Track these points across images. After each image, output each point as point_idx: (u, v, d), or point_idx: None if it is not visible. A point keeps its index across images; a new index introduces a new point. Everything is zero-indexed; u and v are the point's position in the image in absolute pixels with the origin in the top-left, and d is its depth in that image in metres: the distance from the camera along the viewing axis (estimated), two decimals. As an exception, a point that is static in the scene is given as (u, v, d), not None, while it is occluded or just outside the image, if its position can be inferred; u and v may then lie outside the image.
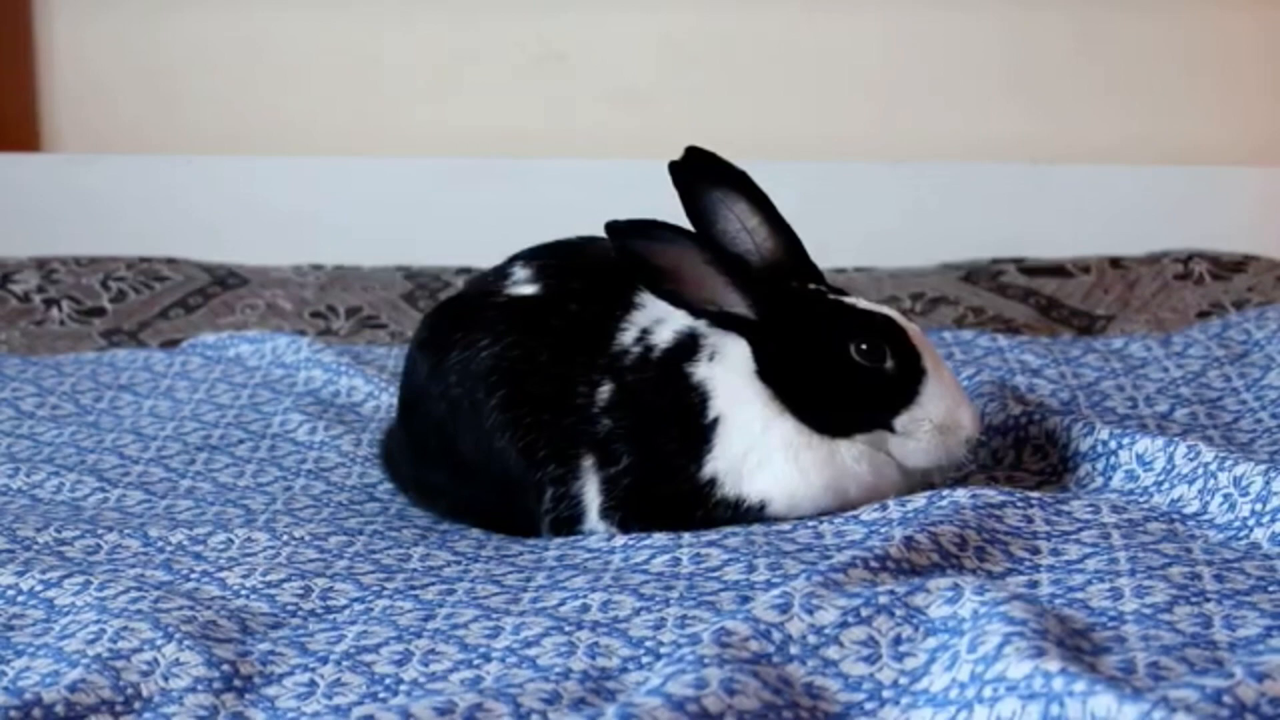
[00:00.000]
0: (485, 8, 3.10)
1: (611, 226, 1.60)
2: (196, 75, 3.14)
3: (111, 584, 1.51)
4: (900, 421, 1.63)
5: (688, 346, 1.66)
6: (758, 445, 1.64)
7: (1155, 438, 1.73)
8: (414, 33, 3.12)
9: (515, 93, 3.05)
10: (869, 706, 1.26)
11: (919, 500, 1.63)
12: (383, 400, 2.17)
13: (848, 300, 1.68)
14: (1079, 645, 1.29)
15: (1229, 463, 1.64)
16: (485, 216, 2.85)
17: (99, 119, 3.17)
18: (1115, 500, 1.65)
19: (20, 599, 1.53)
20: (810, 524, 1.61)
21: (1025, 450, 1.82)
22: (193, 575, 1.58)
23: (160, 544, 1.68)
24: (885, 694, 1.28)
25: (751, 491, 1.64)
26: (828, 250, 2.75)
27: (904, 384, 1.63)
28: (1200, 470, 1.65)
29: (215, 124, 3.14)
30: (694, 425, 1.64)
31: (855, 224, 2.86)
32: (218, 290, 2.76)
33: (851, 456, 1.65)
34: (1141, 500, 1.67)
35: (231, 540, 1.68)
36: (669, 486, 1.65)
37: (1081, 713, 1.15)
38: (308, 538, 1.68)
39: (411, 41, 3.12)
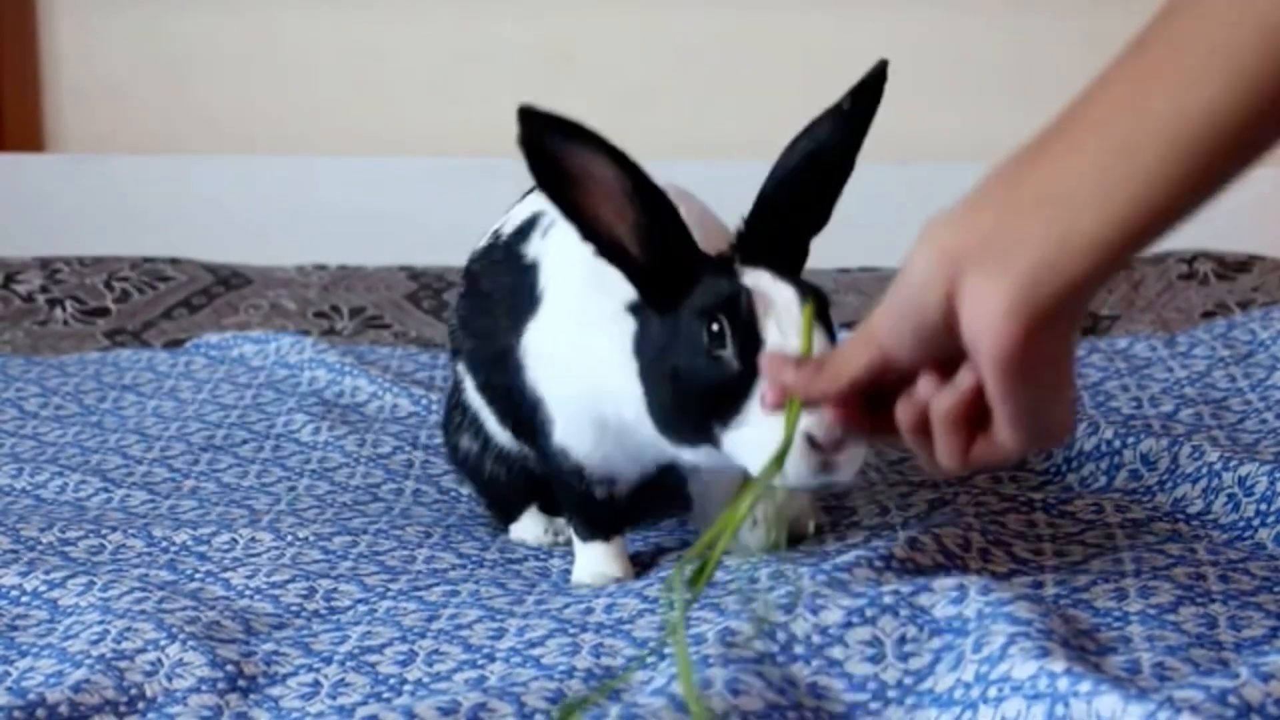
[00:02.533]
0: (488, 7, 3.10)
1: (527, 112, 1.33)
2: (200, 76, 3.15)
3: (115, 584, 1.51)
4: (735, 436, 1.34)
5: (527, 228, 1.55)
6: (557, 326, 1.48)
7: (1160, 438, 1.73)
8: (418, 32, 3.12)
9: (519, 93, 3.05)
10: (873, 706, 1.26)
11: (921, 505, 1.63)
12: (386, 400, 2.17)
13: (741, 269, 1.38)
14: (1084, 645, 1.29)
15: (1234, 463, 1.64)
16: (489, 216, 2.85)
17: (103, 119, 3.17)
18: (1119, 500, 1.65)
19: (24, 599, 1.53)
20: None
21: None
22: (197, 576, 1.58)
23: (164, 544, 1.68)
24: (890, 694, 1.28)
25: (537, 380, 1.51)
26: (831, 250, 2.76)
27: (740, 383, 1.33)
28: (1204, 470, 1.65)
29: (219, 124, 3.14)
30: (522, 300, 1.51)
31: (859, 224, 2.85)
32: (221, 290, 2.76)
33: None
34: (1145, 500, 1.67)
35: (236, 541, 1.68)
36: (496, 365, 1.55)
37: (1086, 713, 1.15)
38: (312, 538, 1.68)
39: (416, 41, 3.12)
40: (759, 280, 1.36)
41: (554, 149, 1.34)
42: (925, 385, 1.22)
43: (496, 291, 1.56)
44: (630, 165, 1.35)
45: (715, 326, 1.34)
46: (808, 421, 1.29)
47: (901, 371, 1.24)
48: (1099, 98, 1.16)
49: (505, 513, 1.73)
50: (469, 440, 1.68)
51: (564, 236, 1.48)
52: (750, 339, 1.34)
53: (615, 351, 1.44)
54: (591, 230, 1.37)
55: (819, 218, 1.44)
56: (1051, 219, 1.12)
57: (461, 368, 1.65)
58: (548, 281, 1.51)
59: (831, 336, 1.39)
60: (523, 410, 1.55)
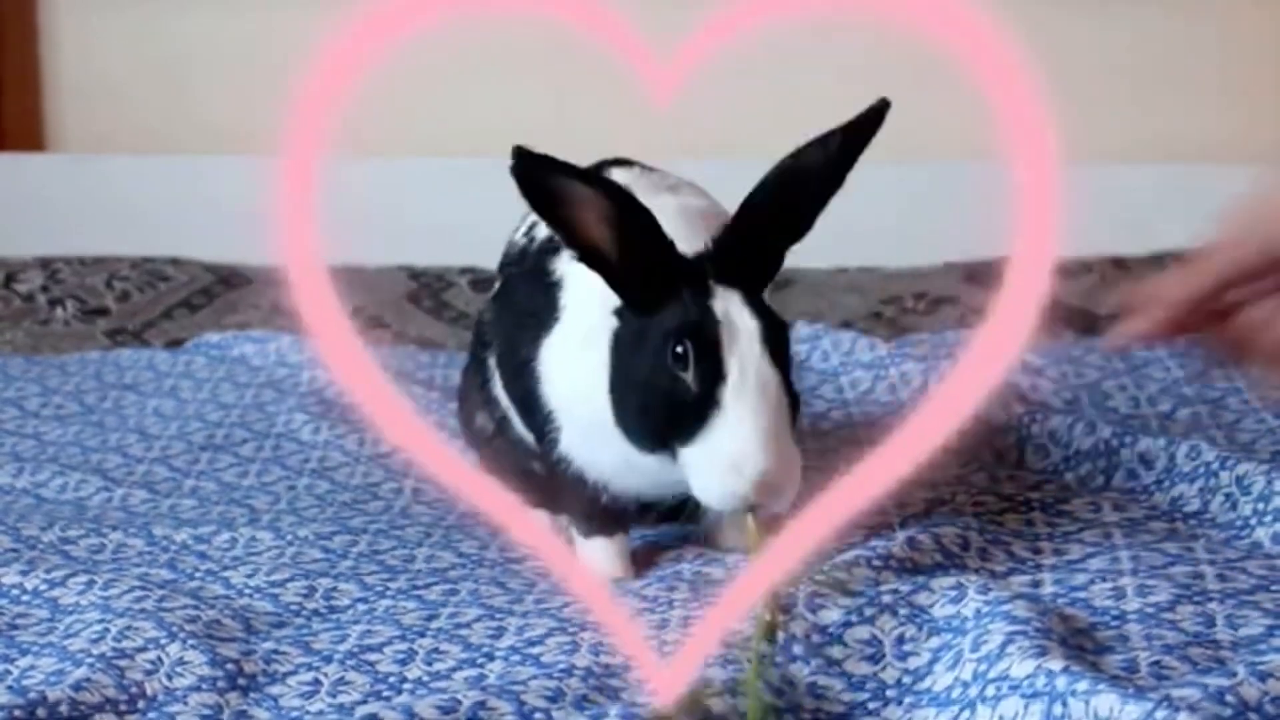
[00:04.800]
0: (489, 7, 3.10)
1: (521, 153, 1.39)
2: (201, 75, 3.15)
3: (116, 583, 1.52)
4: (687, 453, 1.40)
5: (559, 242, 1.54)
6: (571, 341, 1.51)
7: (1157, 437, 1.73)
8: (417, 32, 3.12)
9: (519, 92, 3.05)
10: (872, 706, 1.27)
11: (919, 505, 1.63)
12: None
13: (714, 287, 1.43)
14: (1082, 644, 1.29)
15: (1231, 462, 1.64)
16: (489, 216, 2.85)
17: (103, 119, 3.17)
18: (1117, 499, 1.66)
19: (25, 598, 1.53)
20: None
21: (1028, 449, 1.82)
22: (197, 574, 1.58)
23: (164, 543, 1.68)
24: (889, 693, 1.28)
25: (549, 393, 1.54)
26: (831, 250, 2.76)
27: (697, 407, 1.39)
28: (1202, 469, 1.65)
29: (220, 124, 3.14)
30: (545, 315, 1.54)
31: (859, 223, 2.86)
32: (222, 290, 2.76)
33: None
34: (1143, 499, 1.67)
35: (236, 539, 1.68)
36: (516, 373, 1.58)
37: (1084, 712, 1.15)
38: (312, 537, 1.68)
39: (416, 41, 3.12)
40: (729, 305, 1.41)
41: (543, 182, 1.41)
42: None
43: (525, 304, 1.59)
44: (617, 192, 1.41)
45: (680, 349, 1.40)
46: (748, 487, 1.37)
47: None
48: None
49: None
50: (485, 419, 1.70)
51: None
52: (711, 367, 1.39)
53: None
54: (573, 239, 1.43)
55: (798, 232, 1.48)
56: None
57: (493, 363, 1.66)
58: (568, 300, 1.54)
59: (786, 369, 1.43)
60: (532, 414, 1.58)
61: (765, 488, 1.37)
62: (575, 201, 1.41)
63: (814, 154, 1.48)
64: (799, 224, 1.47)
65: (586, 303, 1.51)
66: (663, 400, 1.41)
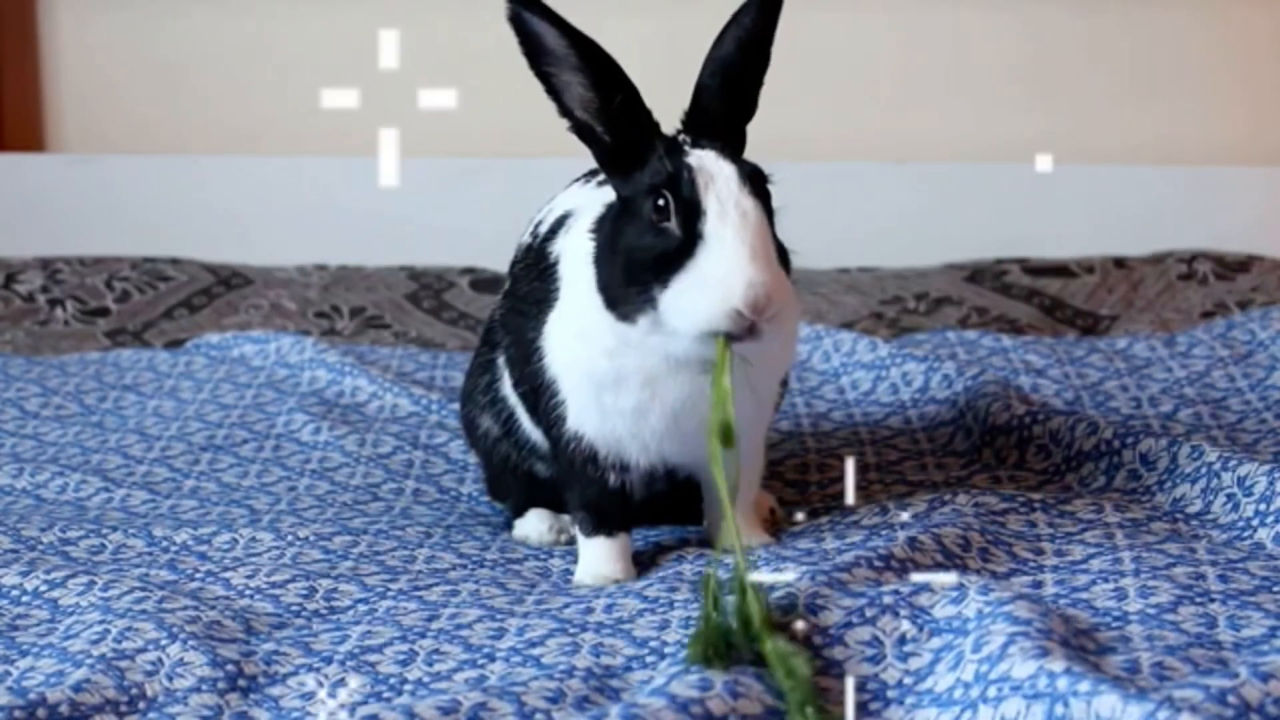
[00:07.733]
0: (487, 7, 3.09)
1: None
2: (200, 76, 3.14)
3: (116, 584, 1.52)
4: (666, 295, 1.45)
5: (558, 226, 1.62)
6: (572, 311, 1.55)
7: (1159, 438, 1.73)
8: (416, 33, 3.12)
9: (518, 93, 3.04)
10: (874, 707, 1.27)
11: (920, 504, 1.63)
12: (386, 400, 2.17)
13: (689, 149, 1.50)
14: (1083, 645, 1.29)
15: (1233, 463, 1.64)
16: (488, 217, 2.86)
17: (103, 119, 3.17)
18: (1119, 500, 1.65)
19: (25, 599, 1.53)
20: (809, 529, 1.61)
21: (1029, 449, 1.82)
22: (197, 575, 1.58)
23: (165, 544, 1.68)
24: (890, 694, 1.28)
25: (552, 364, 1.57)
26: (831, 250, 2.76)
27: (681, 250, 1.45)
28: (1204, 470, 1.65)
29: (219, 124, 3.14)
30: (546, 296, 1.59)
31: (860, 224, 2.86)
32: (222, 290, 2.76)
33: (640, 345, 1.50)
34: (1145, 500, 1.67)
35: (236, 540, 1.68)
36: (525, 360, 1.60)
37: (1086, 713, 1.15)
38: (312, 538, 1.68)
39: (414, 41, 3.12)
40: (704, 158, 1.49)
41: (534, 33, 1.51)
42: None
43: (528, 292, 1.62)
44: (601, 58, 1.51)
45: (660, 201, 1.47)
46: (738, 300, 1.42)
47: None
48: None
49: (502, 492, 1.78)
50: (490, 421, 1.72)
51: (581, 230, 1.56)
52: (691, 210, 1.46)
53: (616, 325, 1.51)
54: (565, 106, 1.52)
55: (748, 106, 1.56)
56: None
57: (501, 361, 1.69)
58: (565, 273, 1.57)
59: (770, 214, 1.49)
60: (541, 397, 1.59)
61: (755, 302, 1.42)
62: (564, 64, 1.50)
63: (752, 15, 1.55)
64: (749, 96, 1.55)
65: (583, 273, 1.54)
66: (650, 253, 1.46)
